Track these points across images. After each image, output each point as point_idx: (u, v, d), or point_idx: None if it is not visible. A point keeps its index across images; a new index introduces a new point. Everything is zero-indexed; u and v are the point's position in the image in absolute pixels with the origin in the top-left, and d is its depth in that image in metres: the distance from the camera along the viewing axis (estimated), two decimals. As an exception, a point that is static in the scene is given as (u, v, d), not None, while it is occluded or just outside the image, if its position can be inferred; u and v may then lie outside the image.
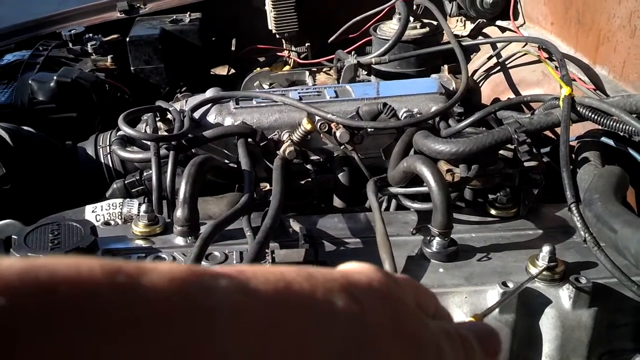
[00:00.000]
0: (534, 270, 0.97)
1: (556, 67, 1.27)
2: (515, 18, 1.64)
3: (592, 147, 1.10)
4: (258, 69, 1.98)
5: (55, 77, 1.59)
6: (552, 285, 0.96)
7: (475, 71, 1.62)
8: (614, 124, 1.02)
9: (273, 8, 2.03)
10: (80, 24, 2.00)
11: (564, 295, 0.95)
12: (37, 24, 2.03)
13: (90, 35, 1.89)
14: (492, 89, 1.54)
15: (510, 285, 0.94)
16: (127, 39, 1.84)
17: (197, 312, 0.26)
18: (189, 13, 1.97)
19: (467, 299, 0.96)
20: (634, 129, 0.97)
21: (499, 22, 1.70)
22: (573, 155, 1.09)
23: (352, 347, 0.30)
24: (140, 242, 1.06)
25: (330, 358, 0.29)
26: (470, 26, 1.81)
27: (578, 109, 1.06)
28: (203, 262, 0.96)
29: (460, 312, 0.97)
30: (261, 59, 2.11)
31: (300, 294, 0.30)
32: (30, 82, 1.61)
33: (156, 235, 1.07)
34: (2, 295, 0.22)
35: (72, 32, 1.86)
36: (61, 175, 1.33)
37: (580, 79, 1.26)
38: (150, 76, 1.88)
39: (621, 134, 1.02)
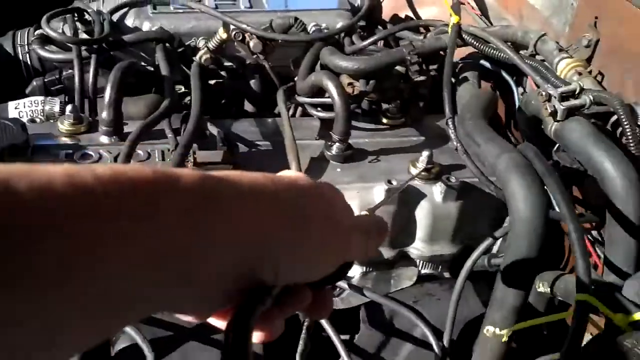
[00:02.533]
0: (414, 171, 1.16)
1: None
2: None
3: (472, 68, 1.28)
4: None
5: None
6: (427, 183, 1.15)
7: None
8: (492, 51, 1.20)
9: None
10: None
11: (437, 191, 1.14)
12: None
13: None
14: (392, 7, 1.68)
15: (394, 182, 1.12)
16: None
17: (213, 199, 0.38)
18: None
19: (359, 194, 1.14)
20: (506, 56, 1.16)
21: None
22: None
23: (298, 218, 0.43)
24: (66, 140, 1.15)
25: (285, 221, 0.42)
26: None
27: (463, 36, 1.23)
28: (130, 160, 1.07)
29: (353, 204, 1.16)
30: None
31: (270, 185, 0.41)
32: None
33: (81, 133, 1.17)
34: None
35: None
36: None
37: (469, 3, 1.42)
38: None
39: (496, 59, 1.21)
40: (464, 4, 1.41)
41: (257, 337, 0.44)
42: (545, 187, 0.80)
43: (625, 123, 0.91)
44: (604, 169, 0.87)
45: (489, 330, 0.90)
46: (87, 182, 0.30)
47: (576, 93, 0.99)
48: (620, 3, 1.05)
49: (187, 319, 0.41)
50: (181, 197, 0.34)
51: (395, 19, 1.64)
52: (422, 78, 1.27)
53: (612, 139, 0.95)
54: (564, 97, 0.94)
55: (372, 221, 0.52)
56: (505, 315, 0.87)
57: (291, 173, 0.47)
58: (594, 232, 1.03)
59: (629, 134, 0.91)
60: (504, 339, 0.89)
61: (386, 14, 1.65)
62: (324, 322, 1.04)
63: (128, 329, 0.96)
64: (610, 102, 0.94)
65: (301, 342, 0.98)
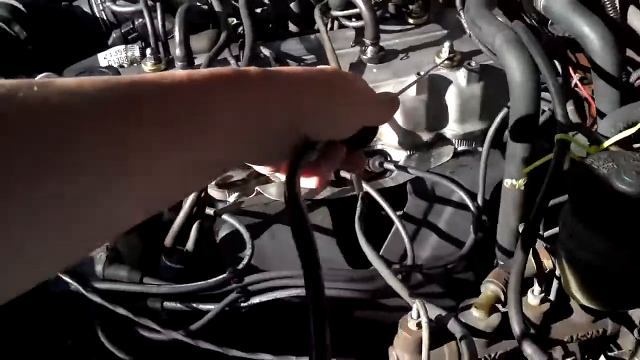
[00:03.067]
0: (438, 61, 1.37)
1: None
2: None
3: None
4: None
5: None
6: (452, 70, 1.36)
7: None
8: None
9: None
10: None
11: (461, 75, 1.35)
12: None
13: None
14: None
15: (421, 72, 1.34)
16: None
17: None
18: None
19: (394, 87, 1.36)
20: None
21: None
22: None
23: (326, 89, 0.60)
24: (151, 77, 1.42)
25: (318, 92, 0.60)
26: None
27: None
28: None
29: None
30: None
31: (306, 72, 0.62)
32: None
33: (162, 70, 1.43)
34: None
35: None
36: (66, 32, 1.64)
37: None
38: None
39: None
40: None
41: (312, 182, 0.67)
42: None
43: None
44: (584, 33, 1.07)
45: (507, 182, 1.12)
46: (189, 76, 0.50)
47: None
48: None
49: (258, 168, 0.64)
50: (253, 76, 0.54)
51: None
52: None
53: (594, 6, 1.13)
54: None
55: (386, 96, 0.73)
56: (517, 167, 1.09)
57: (323, 66, 0.69)
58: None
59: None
60: (521, 187, 1.11)
61: None
62: (377, 197, 1.29)
63: (228, 218, 1.24)
64: (590, -23, 1.11)
65: (358, 208, 1.24)
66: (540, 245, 0.90)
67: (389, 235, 1.30)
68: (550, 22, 1.21)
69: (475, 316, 0.89)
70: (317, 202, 1.34)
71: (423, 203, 1.35)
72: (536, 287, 0.89)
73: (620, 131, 0.92)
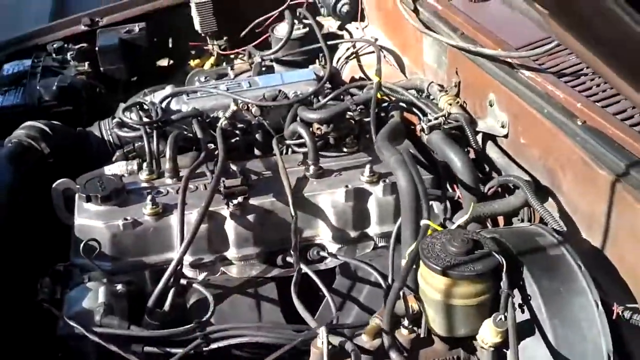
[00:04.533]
0: (363, 179, 1.84)
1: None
2: (362, 20, 2.49)
3: (395, 108, 1.98)
4: (191, 61, 2.77)
5: (56, 83, 2.33)
6: (372, 185, 1.83)
7: (338, 59, 2.46)
8: (401, 96, 1.90)
9: (197, 13, 2.80)
10: (54, 36, 2.70)
11: (379, 189, 1.82)
12: (20, 39, 2.72)
13: (66, 45, 2.61)
14: (350, 71, 2.40)
15: (349, 185, 1.80)
16: (97, 48, 2.58)
17: None
18: (137, 24, 2.71)
19: (329, 197, 1.82)
20: (408, 99, 1.86)
21: (354, 23, 2.55)
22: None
23: None
24: (145, 184, 1.87)
25: None
26: (338, 23, 2.65)
27: (383, 89, 1.93)
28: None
29: (325, 202, 1.82)
30: (192, 52, 2.88)
31: None
32: (38, 87, 2.34)
33: (153, 179, 1.88)
34: None
35: (55, 45, 2.58)
36: (79, 150, 2.11)
37: (394, 65, 2.13)
38: (115, 73, 2.63)
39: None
40: (392, 65, 2.12)
41: None
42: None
43: (467, 129, 1.60)
44: (450, 158, 1.55)
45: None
46: None
47: (444, 120, 1.67)
48: (465, 61, 1.75)
49: None
50: None
51: (352, 80, 2.35)
52: (366, 119, 1.97)
53: (463, 140, 1.63)
54: (429, 122, 1.63)
55: None
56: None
57: None
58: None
59: (469, 134, 1.59)
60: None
61: (346, 77, 2.36)
62: (312, 275, 1.70)
63: (198, 287, 1.64)
64: (458, 119, 1.62)
65: (294, 278, 1.64)
66: (409, 292, 1.32)
67: (321, 306, 1.69)
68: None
69: (363, 340, 1.29)
70: (267, 279, 1.75)
71: (347, 282, 1.76)
72: (405, 322, 1.30)
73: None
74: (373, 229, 1.86)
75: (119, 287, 1.63)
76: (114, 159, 2.07)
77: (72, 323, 1.49)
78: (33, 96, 2.34)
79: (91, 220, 1.73)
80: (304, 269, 1.70)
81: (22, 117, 2.13)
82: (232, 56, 2.79)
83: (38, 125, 2.05)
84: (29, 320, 1.62)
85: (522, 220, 1.58)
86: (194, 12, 2.80)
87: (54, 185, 1.88)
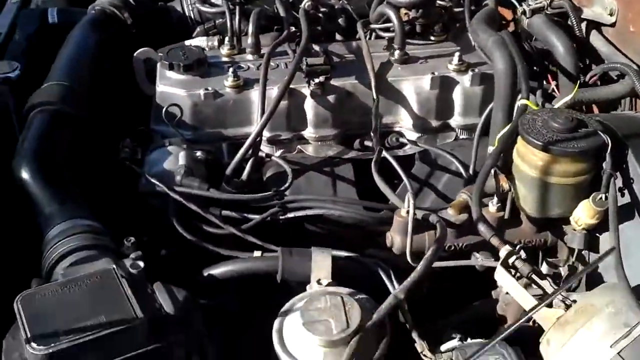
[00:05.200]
0: (451, 67, 1.76)
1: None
2: None
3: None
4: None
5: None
6: (460, 73, 1.75)
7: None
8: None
9: None
10: None
11: (466, 78, 1.74)
12: None
13: None
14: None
15: (436, 73, 1.73)
16: None
17: None
18: None
19: (413, 82, 1.76)
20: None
21: None
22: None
23: None
24: (226, 59, 1.84)
25: None
26: None
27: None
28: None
29: (408, 88, 1.76)
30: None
31: None
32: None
33: (235, 55, 1.85)
34: None
35: None
36: (161, 23, 2.09)
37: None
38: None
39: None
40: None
41: None
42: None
43: (572, 14, 1.49)
44: (553, 44, 1.46)
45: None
46: None
47: (547, 4, 1.57)
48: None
49: None
50: None
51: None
52: (459, 9, 1.87)
53: (565, 27, 1.53)
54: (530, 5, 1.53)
55: None
56: (494, 134, 1.44)
57: None
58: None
59: (573, 21, 1.49)
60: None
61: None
62: (390, 159, 1.65)
63: (277, 159, 1.62)
64: (562, 5, 1.52)
65: (374, 156, 1.60)
66: (500, 172, 1.26)
67: (398, 189, 1.66)
68: (534, 38, 1.61)
69: (449, 213, 1.26)
70: (344, 160, 1.72)
71: (427, 169, 1.71)
72: (495, 199, 1.25)
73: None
74: (456, 120, 1.79)
75: (199, 153, 1.63)
76: (194, 34, 2.05)
77: (153, 180, 1.50)
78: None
79: (173, 87, 1.72)
80: (383, 152, 1.66)
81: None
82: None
83: (122, -5, 2.04)
84: (111, 178, 1.65)
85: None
86: None
87: (135, 53, 1.87)
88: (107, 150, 1.66)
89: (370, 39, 1.97)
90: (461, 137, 1.80)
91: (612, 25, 1.56)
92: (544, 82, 1.68)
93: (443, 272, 1.28)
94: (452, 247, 1.28)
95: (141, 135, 1.71)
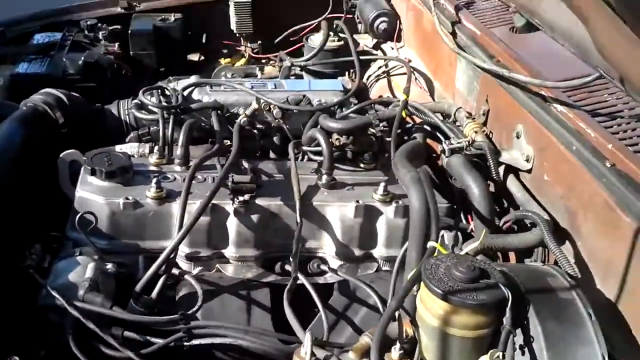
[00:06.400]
0: (376, 197, 1.77)
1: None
2: (399, 40, 2.45)
3: (419, 130, 1.92)
4: (222, 60, 2.74)
5: (83, 58, 2.31)
6: (384, 204, 1.76)
7: (369, 76, 2.42)
8: (426, 118, 1.84)
9: (235, 13, 2.78)
10: (90, 14, 2.69)
11: (390, 210, 1.75)
12: (57, 12, 2.71)
13: (100, 24, 2.59)
14: (379, 89, 2.35)
15: (360, 201, 1.74)
16: (129, 31, 2.56)
17: None
18: (173, 14, 2.69)
19: (338, 209, 1.75)
20: (433, 121, 1.80)
21: (389, 43, 2.51)
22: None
23: None
24: (154, 168, 1.82)
25: None
26: (374, 41, 2.62)
27: (409, 107, 1.87)
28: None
29: (333, 216, 1.76)
30: (224, 51, 2.86)
31: None
32: (64, 59, 2.32)
33: (163, 164, 1.84)
34: None
35: (88, 22, 2.56)
36: (94, 126, 2.07)
37: (423, 88, 2.08)
38: (144, 59, 2.61)
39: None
40: (422, 87, 2.07)
41: None
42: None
43: (490, 157, 1.53)
44: (468, 184, 1.49)
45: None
46: None
47: (467, 145, 1.61)
48: (497, 88, 1.69)
49: None
50: None
51: (379, 97, 2.30)
52: (388, 139, 1.92)
53: (484, 169, 1.57)
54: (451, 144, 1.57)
55: None
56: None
57: None
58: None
59: (491, 164, 1.53)
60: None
61: (374, 95, 2.32)
62: (309, 286, 1.62)
63: (190, 279, 1.58)
64: (482, 146, 1.56)
65: (288, 284, 1.57)
66: (405, 316, 1.24)
67: (314, 320, 1.62)
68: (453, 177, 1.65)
69: (350, 357, 1.22)
70: (262, 283, 1.68)
71: (345, 300, 1.68)
72: (397, 345, 1.22)
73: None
74: (379, 251, 1.78)
75: (109, 266, 1.58)
76: (127, 139, 2.04)
77: (54, 293, 1.43)
78: (58, 67, 2.33)
79: (93, 194, 1.68)
80: (301, 279, 1.63)
81: (44, 87, 2.10)
82: (263, 60, 2.75)
83: (56, 94, 2.03)
84: (13, 286, 1.57)
85: (535, 262, 1.51)
86: (232, 11, 2.78)
87: (61, 155, 1.84)
88: (16, 254, 1.59)
89: (302, 160, 1.99)
90: (383, 268, 1.79)
91: (529, 171, 1.61)
92: (464, 222, 1.70)
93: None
94: (351, 392, 1.23)
95: (53, 241, 1.65)
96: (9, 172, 1.76)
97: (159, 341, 1.44)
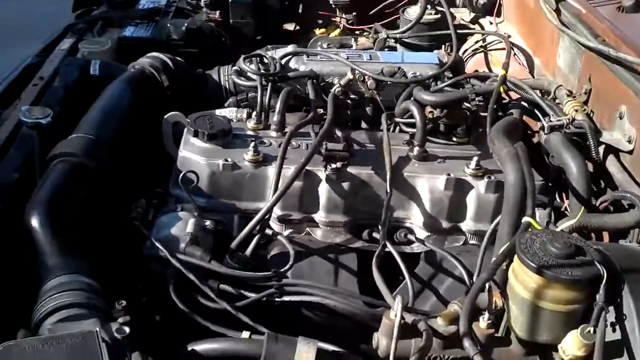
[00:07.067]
0: (468, 171, 1.78)
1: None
2: (498, 15, 2.41)
3: (516, 106, 1.90)
4: (317, 30, 2.78)
5: (186, 24, 2.40)
6: (476, 179, 1.76)
7: (465, 51, 2.40)
8: (525, 94, 1.81)
9: (333, -16, 2.80)
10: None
11: (482, 184, 1.75)
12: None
13: (203, -8, 2.68)
14: (474, 64, 2.33)
15: (451, 175, 1.75)
16: (230, 0, 2.64)
17: None
18: (273, -16, 2.75)
19: (427, 181, 1.77)
20: (532, 98, 1.77)
21: (488, 17, 2.47)
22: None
23: None
24: (251, 132, 1.89)
25: None
26: (471, 15, 2.58)
27: (507, 83, 1.85)
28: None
29: (422, 188, 1.78)
30: (320, 21, 2.89)
31: None
32: (168, 25, 2.42)
33: (259, 130, 1.90)
34: None
35: (193, -11, 2.66)
36: (196, 90, 2.16)
37: (521, 63, 2.05)
38: (243, 27, 2.69)
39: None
40: (521, 64, 2.03)
41: None
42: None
43: (591, 136, 1.50)
44: (567, 162, 1.47)
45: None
46: None
47: (567, 124, 1.59)
48: (601, 67, 1.64)
49: None
50: None
51: (475, 72, 2.28)
52: (484, 114, 1.90)
53: (583, 148, 1.54)
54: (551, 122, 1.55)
55: None
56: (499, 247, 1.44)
57: None
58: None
59: (591, 143, 1.50)
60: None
61: (470, 69, 2.30)
62: (396, 255, 1.65)
63: (282, 240, 1.64)
64: (582, 125, 1.53)
65: (377, 251, 1.60)
66: (495, 287, 1.25)
67: (398, 288, 1.65)
68: (551, 155, 1.63)
69: (439, 323, 1.25)
70: (349, 249, 1.73)
71: (430, 270, 1.70)
72: (486, 315, 1.24)
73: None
74: (467, 224, 1.79)
75: (208, 223, 1.66)
76: (226, 104, 2.12)
77: (158, 245, 1.53)
78: (162, 33, 2.44)
79: (194, 154, 1.77)
80: (389, 247, 1.66)
81: (149, 51, 2.20)
82: (357, 32, 2.77)
83: (162, 58, 2.12)
84: (120, 237, 1.68)
85: (631, 242, 1.48)
86: (329, -18, 2.81)
87: (165, 116, 1.94)
88: (122, 207, 1.70)
89: (393, 131, 2.01)
90: (470, 242, 1.80)
91: (630, 152, 1.57)
92: (558, 200, 1.68)
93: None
94: (437, 358, 1.26)
95: (156, 196, 1.75)
96: (118, 130, 1.86)
97: (252, 295, 1.52)
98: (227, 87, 2.17)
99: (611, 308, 1.16)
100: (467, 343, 1.13)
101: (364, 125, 2.10)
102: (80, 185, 1.60)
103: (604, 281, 1.13)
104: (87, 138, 1.71)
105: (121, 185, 1.81)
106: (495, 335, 1.26)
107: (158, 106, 2.07)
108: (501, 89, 1.84)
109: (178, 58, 2.19)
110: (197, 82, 2.19)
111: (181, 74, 2.15)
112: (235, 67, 2.15)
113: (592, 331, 1.10)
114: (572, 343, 1.13)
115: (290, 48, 2.20)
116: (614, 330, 1.15)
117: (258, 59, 2.11)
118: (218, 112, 2.00)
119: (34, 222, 1.43)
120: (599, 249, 1.22)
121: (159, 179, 1.84)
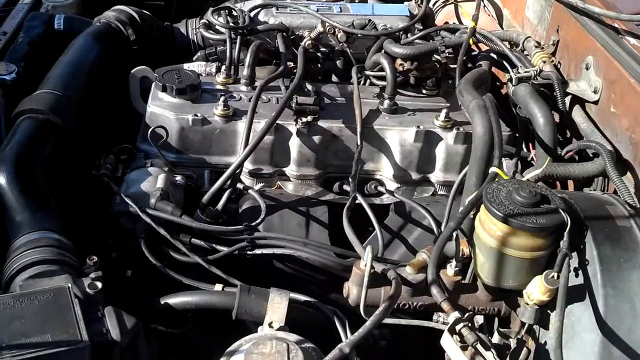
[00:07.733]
0: (437, 122, 1.79)
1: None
2: (468, -34, 2.39)
3: (485, 58, 1.91)
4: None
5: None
6: (445, 130, 1.78)
7: (435, 2, 2.38)
8: (494, 45, 1.82)
9: None
10: None
11: (450, 136, 1.77)
12: None
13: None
14: (445, 16, 2.32)
15: (421, 127, 1.76)
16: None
17: None
18: None
19: (398, 134, 1.78)
20: (501, 49, 1.78)
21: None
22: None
23: None
24: (220, 87, 1.87)
25: None
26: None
27: (477, 35, 1.85)
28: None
29: (393, 142, 1.79)
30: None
31: None
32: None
33: (229, 84, 1.88)
34: None
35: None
36: (164, 44, 2.12)
37: (491, 16, 2.05)
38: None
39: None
40: (490, 15, 2.03)
41: None
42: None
43: (557, 87, 1.52)
44: (534, 113, 1.49)
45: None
46: None
47: (534, 75, 1.60)
48: (569, 19, 1.65)
49: None
50: None
51: (445, 24, 2.27)
52: (453, 66, 1.91)
53: (550, 99, 1.56)
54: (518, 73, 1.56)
55: None
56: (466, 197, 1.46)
57: None
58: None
59: (557, 94, 1.52)
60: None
61: (440, 21, 2.29)
62: (365, 206, 1.67)
63: (253, 193, 1.65)
64: (550, 76, 1.55)
65: (347, 203, 1.62)
66: (462, 236, 1.28)
67: (369, 238, 1.68)
68: (518, 106, 1.64)
69: (407, 272, 1.27)
70: (320, 201, 1.74)
71: (400, 221, 1.73)
72: (453, 263, 1.27)
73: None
74: (436, 175, 1.82)
75: (178, 178, 1.66)
76: (194, 57, 2.09)
77: (127, 201, 1.53)
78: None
79: (163, 109, 1.75)
80: (359, 199, 1.68)
81: (115, 4, 2.15)
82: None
83: (128, 11, 2.08)
84: (88, 193, 1.67)
85: (594, 191, 1.51)
86: None
87: (133, 71, 1.91)
88: (89, 163, 1.68)
89: (364, 84, 2.01)
90: (439, 192, 1.83)
91: (595, 103, 1.60)
92: (525, 150, 1.71)
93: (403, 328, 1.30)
94: (407, 306, 1.29)
95: (125, 152, 1.74)
96: (84, 85, 1.83)
97: (224, 249, 1.53)
98: (196, 40, 2.14)
99: (574, 254, 1.19)
100: (434, 290, 1.16)
101: (334, 78, 2.09)
102: (47, 141, 1.59)
103: (567, 228, 1.16)
104: (54, 94, 1.68)
105: (89, 142, 1.79)
106: (462, 282, 1.30)
107: (125, 61, 2.03)
108: (470, 41, 1.84)
109: (144, 11, 2.14)
110: (164, 35, 2.15)
111: (148, 27, 2.11)
112: (203, 20, 2.11)
113: (555, 276, 1.14)
114: (536, 288, 1.17)
115: (259, 0, 2.16)
116: (576, 276, 1.19)
117: (227, 11, 2.07)
118: (186, 66, 1.97)
119: (1, 180, 1.42)
120: (564, 197, 1.25)
121: (127, 134, 1.82)
